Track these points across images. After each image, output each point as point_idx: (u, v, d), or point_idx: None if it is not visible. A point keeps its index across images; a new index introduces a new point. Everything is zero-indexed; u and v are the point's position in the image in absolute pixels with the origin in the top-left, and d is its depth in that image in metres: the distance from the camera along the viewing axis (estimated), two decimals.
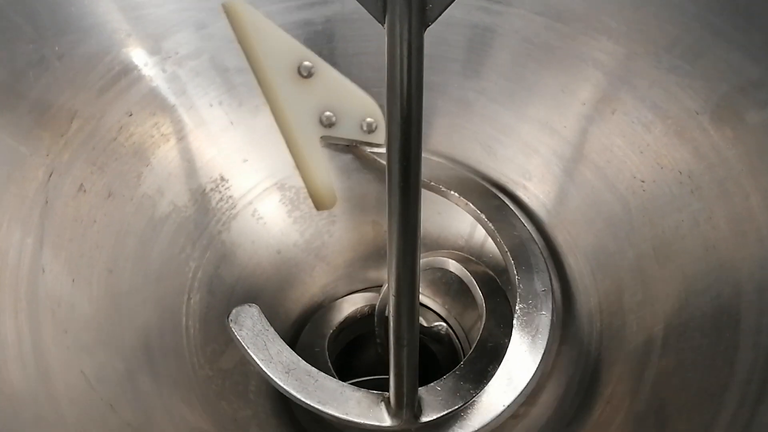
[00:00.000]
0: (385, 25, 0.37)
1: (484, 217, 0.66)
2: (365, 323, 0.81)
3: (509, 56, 0.68)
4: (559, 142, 0.68)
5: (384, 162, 0.60)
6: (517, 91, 0.69)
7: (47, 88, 0.55)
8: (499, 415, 0.57)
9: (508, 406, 0.57)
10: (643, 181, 0.62)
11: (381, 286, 0.78)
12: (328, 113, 0.49)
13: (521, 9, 0.66)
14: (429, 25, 0.37)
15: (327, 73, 0.49)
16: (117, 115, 0.60)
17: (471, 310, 0.81)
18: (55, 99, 0.56)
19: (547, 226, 0.70)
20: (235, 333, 0.54)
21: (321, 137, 0.50)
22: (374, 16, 0.37)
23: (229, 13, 0.45)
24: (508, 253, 0.64)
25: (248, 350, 0.53)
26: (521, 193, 0.71)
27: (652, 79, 0.61)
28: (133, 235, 0.60)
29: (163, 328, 0.60)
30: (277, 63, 0.46)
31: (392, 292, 0.46)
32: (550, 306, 0.62)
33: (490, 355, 0.58)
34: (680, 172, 0.59)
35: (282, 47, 0.46)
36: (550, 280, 0.64)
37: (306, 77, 0.47)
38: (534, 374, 0.58)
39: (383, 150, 0.55)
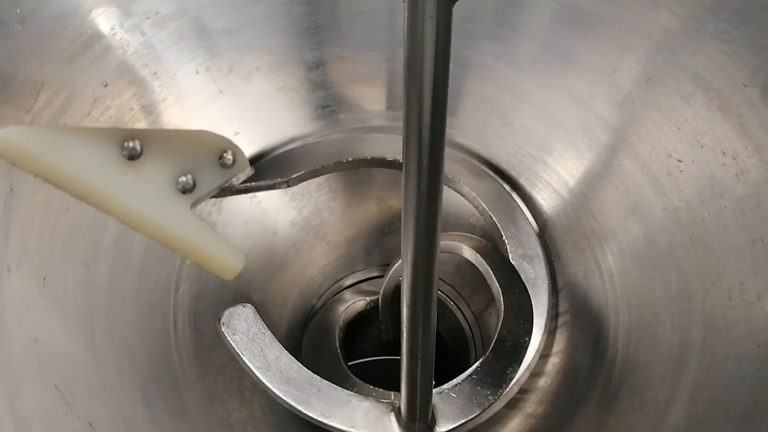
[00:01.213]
0: None
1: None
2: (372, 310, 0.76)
3: (530, 15, 0.61)
4: (585, 114, 0.61)
5: (258, 183, 0.55)
6: (539, 56, 0.62)
7: (9, 56, 0.48)
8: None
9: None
10: (680, 161, 0.55)
11: (387, 265, 0.72)
12: (182, 178, 0.42)
13: None
14: None
15: (157, 136, 0.40)
16: (90, 86, 0.53)
17: (481, 292, 0.75)
18: (18, 69, 0.49)
19: (569, 205, 0.64)
20: (228, 337, 0.48)
21: (191, 206, 0.43)
22: None
23: (5, 151, 0.33)
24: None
25: (243, 357, 0.48)
26: (540, 169, 0.65)
27: (694, 45, 0.54)
28: (112, 222, 0.53)
29: (148, 326, 0.54)
30: (94, 167, 0.36)
31: (406, 301, 0.41)
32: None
33: (510, 355, 0.53)
34: (723, 153, 0.52)
35: (89, 148, 0.36)
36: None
37: (137, 158, 0.39)
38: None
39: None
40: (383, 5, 0.59)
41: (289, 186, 0.57)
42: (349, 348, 0.79)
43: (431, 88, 0.31)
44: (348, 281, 0.76)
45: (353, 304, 0.74)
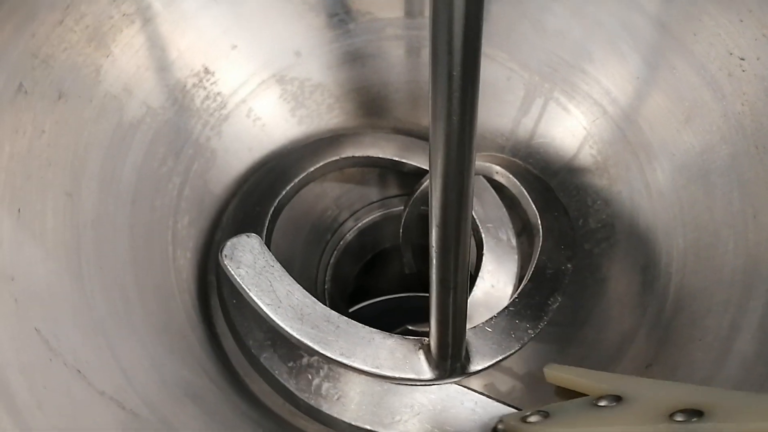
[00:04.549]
0: None
1: None
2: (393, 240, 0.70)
3: None
4: (628, 11, 0.53)
5: None
6: None
7: None
8: None
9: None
10: (742, 59, 0.48)
11: (407, 194, 0.66)
12: None
13: None
14: None
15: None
16: None
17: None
18: None
19: (612, 118, 0.57)
20: (232, 271, 0.42)
21: None
22: None
23: None
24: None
25: (250, 293, 0.42)
26: (578, 79, 0.58)
27: None
28: (96, 147, 0.47)
29: (143, 263, 0.48)
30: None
31: (436, 221, 0.34)
32: None
33: (550, 284, 0.47)
34: None
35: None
36: None
37: None
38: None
39: None
40: None
41: None
42: (369, 285, 0.74)
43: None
44: (365, 212, 0.70)
45: (372, 236, 0.68)
